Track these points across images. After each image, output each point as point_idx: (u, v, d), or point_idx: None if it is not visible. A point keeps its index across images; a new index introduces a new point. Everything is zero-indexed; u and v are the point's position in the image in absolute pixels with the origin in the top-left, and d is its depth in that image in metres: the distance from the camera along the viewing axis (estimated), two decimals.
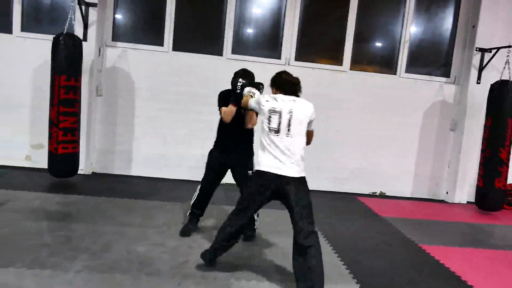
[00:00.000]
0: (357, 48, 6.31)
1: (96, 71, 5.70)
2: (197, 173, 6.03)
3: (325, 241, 3.96)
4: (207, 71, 5.97)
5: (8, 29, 5.65)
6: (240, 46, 6.14)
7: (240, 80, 3.35)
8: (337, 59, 6.30)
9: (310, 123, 2.91)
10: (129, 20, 6.17)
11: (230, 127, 3.57)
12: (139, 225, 3.90)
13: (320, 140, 6.07)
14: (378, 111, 6.29)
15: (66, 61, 4.73)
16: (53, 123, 4.74)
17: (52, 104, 4.75)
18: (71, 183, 5.15)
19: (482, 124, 5.83)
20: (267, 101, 2.87)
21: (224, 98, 3.57)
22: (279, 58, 6.14)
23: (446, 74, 6.48)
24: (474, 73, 6.17)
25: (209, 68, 5.98)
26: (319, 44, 6.45)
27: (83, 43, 5.14)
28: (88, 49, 5.39)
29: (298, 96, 2.94)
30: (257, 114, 3.36)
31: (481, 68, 6.12)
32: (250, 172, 3.52)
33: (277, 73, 3.06)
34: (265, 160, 2.82)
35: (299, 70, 5.98)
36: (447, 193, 6.46)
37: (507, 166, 5.59)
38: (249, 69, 3.63)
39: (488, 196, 5.64)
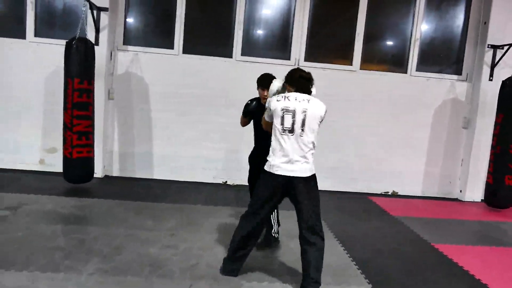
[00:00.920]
0: (367, 48, 6.26)
1: (108, 75, 5.78)
2: (209, 175, 6.12)
3: (337, 241, 3.95)
4: (217, 73, 6.01)
5: (22, 35, 5.76)
6: (250, 48, 6.15)
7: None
8: (347, 59, 6.27)
9: (320, 123, 2.90)
10: (140, 24, 6.24)
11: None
12: (151, 228, 3.94)
13: (332, 140, 6.14)
14: (389, 110, 6.24)
15: (79, 65, 4.80)
16: (67, 127, 4.80)
17: (66, 108, 4.81)
18: (85, 186, 5.21)
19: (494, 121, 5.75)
20: (277, 100, 2.84)
21: (248, 107, 3.81)
22: (289, 59, 6.14)
23: (458, 72, 6.40)
24: (486, 70, 6.09)
25: (219, 70, 6.01)
26: (328, 44, 6.42)
27: (95, 47, 5.22)
28: (100, 53, 5.46)
29: (310, 92, 2.93)
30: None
31: (493, 65, 6.04)
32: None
33: (291, 70, 3.05)
34: (277, 161, 2.80)
35: (308, 70, 5.99)
36: (460, 191, 6.39)
37: None
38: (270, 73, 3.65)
39: (498, 193, 5.57)
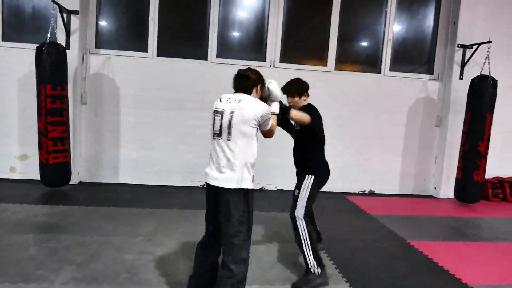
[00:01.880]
0: (341, 49, 6.34)
1: (80, 79, 5.65)
2: (184, 179, 6.05)
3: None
4: (192, 75, 5.96)
5: None
6: (225, 50, 6.13)
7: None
8: (321, 60, 6.33)
9: (262, 123, 2.51)
10: (112, 27, 6.14)
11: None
12: (126, 234, 3.87)
13: None
14: (364, 110, 6.33)
15: (51, 70, 4.71)
16: (42, 133, 4.73)
17: (39, 114, 4.72)
18: (58, 193, 5.09)
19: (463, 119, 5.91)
20: (216, 101, 2.57)
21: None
22: (264, 60, 6.15)
23: (430, 71, 6.55)
24: (456, 69, 6.25)
25: (194, 73, 5.97)
26: (303, 45, 6.47)
27: (66, 51, 5.11)
28: (71, 57, 5.34)
29: (248, 91, 2.54)
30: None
31: (463, 64, 6.20)
32: (296, 191, 3.21)
33: None
34: (208, 168, 2.52)
35: (284, 71, 6.04)
36: (435, 188, 6.52)
37: (485, 160, 5.68)
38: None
39: (467, 189, 5.72)
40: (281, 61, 6.17)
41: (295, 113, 2.94)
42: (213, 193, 2.51)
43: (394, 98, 6.39)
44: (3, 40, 5.60)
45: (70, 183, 5.50)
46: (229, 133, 2.41)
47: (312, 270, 3.05)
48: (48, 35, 4.76)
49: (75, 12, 5.43)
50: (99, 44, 5.88)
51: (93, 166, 5.91)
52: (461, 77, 6.22)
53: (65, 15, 5.35)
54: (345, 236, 4.30)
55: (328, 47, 6.27)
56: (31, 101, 4.92)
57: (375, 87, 6.35)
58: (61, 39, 5.22)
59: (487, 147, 5.67)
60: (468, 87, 5.84)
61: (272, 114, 2.62)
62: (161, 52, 5.94)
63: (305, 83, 3.31)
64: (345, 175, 6.33)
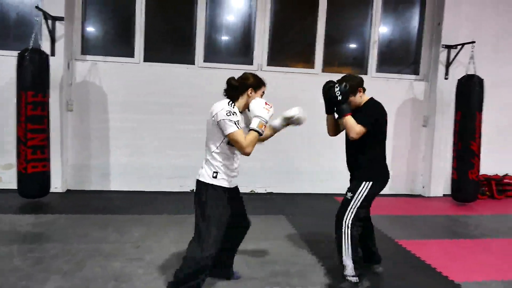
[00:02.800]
0: (328, 51, 6.38)
1: (66, 85, 5.60)
2: (175, 184, 6.02)
3: (303, 242, 3.97)
4: (180, 80, 5.95)
5: None
6: (212, 54, 6.13)
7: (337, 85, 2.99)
8: (309, 63, 6.36)
9: (219, 127, 2.54)
10: (98, 33, 6.10)
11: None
12: (115, 241, 3.83)
13: (299, 142, 6.18)
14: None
15: (32, 77, 4.63)
16: (21, 141, 4.61)
17: (19, 121, 4.62)
18: (45, 202, 5.01)
19: (452, 119, 5.97)
20: None
21: None
22: (252, 64, 6.16)
23: (416, 72, 6.62)
24: (441, 69, 6.32)
25: (182, 78, 5.96)
26: (291, 48, 6.50)
27: (51, 58, 5.07)
28: (57, 64, 5.30)
29: (234, 97, 2.67)
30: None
31: (448, 64, 6.28)
32: (349, 194, 3.08)
33: None
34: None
35: (271, 74, 6.04)
36: (423, 187, 6.58)
37: (479, 158, 5.74)
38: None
39: (463, 188, 5.78)
40: (268, 64, 6.19)
41: (345, 120, 2.96)
42: None
43: (381, 99, 6.23)
44: None
45: (57, 191, 5.45)
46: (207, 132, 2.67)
47: (348, 279, 2.94)
48: (31, 42, 4.72)
49: (60, 19, 5.39)
50: (85, 50, 5.84)
51: (80, 173, 5.85)
52: (446, 77, 6.29)
53: (50, 22, 5.30)
54: (333, 237, 4.27)
55: (315, 49, 6.30)
56: (14, 110, 4.85)
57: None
58: (46, 46, 5.17)
59: (479, 145, 5.73)
60: (453, 86, 5.91)
61: (250, 129, 2.55)
62: (148, 57, 5.92)
63: (355, 79, 3.09)
64: (335, 176, 6.34)
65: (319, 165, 6.30)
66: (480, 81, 5.66)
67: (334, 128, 3.32)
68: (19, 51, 4.73)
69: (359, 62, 6.57)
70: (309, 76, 6.25)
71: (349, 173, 3.25)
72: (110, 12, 6.04)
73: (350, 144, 3.09)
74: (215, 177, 2.63)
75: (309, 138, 6.13)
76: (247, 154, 2.56)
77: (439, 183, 6.46)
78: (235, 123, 2.50)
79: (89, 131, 5.83)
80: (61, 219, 4.44)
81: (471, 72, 5.70)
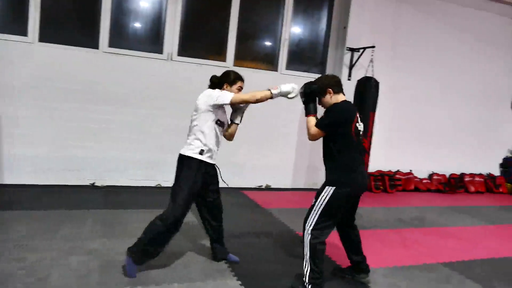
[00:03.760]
0: (241, 45, 6.39)
1: None
2: (72, 176, 5.55)
3: (207, 238, 3.93)
4: (82, 65, 5.51)
5: None
6: (119, 39, 5.77)
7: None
8: (221, 55, 6.31)
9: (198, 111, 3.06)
10: None
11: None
12: None
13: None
14: (260, 107, 6.43)
15: None
16: None
17: None
18: None
19: None
20: None
21: None
22: (161, 52, 5.93)
23: (322, 71, 6.92)
24: (345, 70, 6.70)
25: (84, 62, 5.52)
26: (203, 39, 6.38)
27: None
28: None
29: (214, 87, 3.23)
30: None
31: (351, 66, 6.68)
32: (314, 199, 3.00)
33: None
34: None
35: (182, 66, 5.91)
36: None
37: (369, 155, 6.21)
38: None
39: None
40: (179, 55, 6.01)
41: (306, 121, 3.03)
42: None
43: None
44: None
45: None
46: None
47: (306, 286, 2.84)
48: None
49: None
50: None
51: None
52: (349, 78, 6.69)
53: None
54: (237, 231, 4.30)
55: (227, 43, 6.27)
56: None
57: (272, 84, 6.49)
58: None
59: (371, 143, 6.18)
60: (352, 87, 6.30)
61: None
62: (43, 38, 5.38)
63: (324, 80, 3.08)
64: (243, 171, 6.43)
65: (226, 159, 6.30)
66: (376, 84, 6.11)
67: None
68: None
69: (270, 58, 6.69)
70: (220, 69, 6.14)
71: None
72: None
73: (323, 147, 3.02)
74: (199, 153, 3.02)
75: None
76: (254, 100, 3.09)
77: None
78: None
79: None
80: None
81: (369, 74, 6.12)
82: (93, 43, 5.61)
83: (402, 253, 4.12)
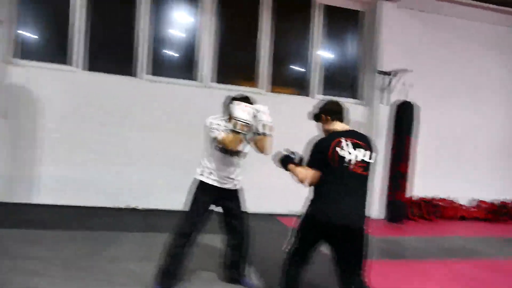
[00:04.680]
0: (273, 72, 6.53)
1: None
2: (107, 200, 5.71)
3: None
4: (121, 92, 5.77)
5: None
6: (156, 67, 6.03)
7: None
8: (253, 81, 6.45)
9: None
10: (35, 37, 5.79)
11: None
12: (42, 259, 3.56)
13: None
14: (297, 132, 6.47)
15: None
16: None
17: None
18: None
19: (384, 142, 6.34)
20: None
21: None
22: (196, 79, 6.13)
23: (354, 96, 6.92)
24: (378, 94, 6.63)
25: (123, 89, 5.78)
26: (237, 66, 6.57)
27: None
28: None
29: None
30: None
31: (383, 90, 6.62)
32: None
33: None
34: None
35: (217, 92, 6.06)
36: None
37: (406, 180, 6.11)
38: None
39: (394, 208, 6.08)
40: (213, 81, 6.20)
41: (293, 169, 2.72)
42: None
43: None
44: None
45: None
46: None
47: None
48: None
49: None
50: (20, 55, 5.51)
51: (10, 185, 5.42)
52: (382, 102, 6.64)
53: None
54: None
55: (259, 69, 6.44)
56: None
57: (306, 109, 6.53)
58: None
59: (407, 167, 6.06)
60: (387, 111, 6.24)
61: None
62: (87, 66, 5.71)
63: (321, 106, 2.84)
64: (276, 195, 6.39)
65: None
66: (411, 107, 6.06)
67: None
68: None
69: (301, 83, 6.77)
70: (254, 96, 6.29)
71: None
72: (46, 17, 5.75)
73: None
74: (201, 175, 3.14)
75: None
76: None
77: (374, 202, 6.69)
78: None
79: (21, 141, 5.46)
80: None
81: (403, 97, 6.06)
82: (131, 71, 5.88)
83: None
